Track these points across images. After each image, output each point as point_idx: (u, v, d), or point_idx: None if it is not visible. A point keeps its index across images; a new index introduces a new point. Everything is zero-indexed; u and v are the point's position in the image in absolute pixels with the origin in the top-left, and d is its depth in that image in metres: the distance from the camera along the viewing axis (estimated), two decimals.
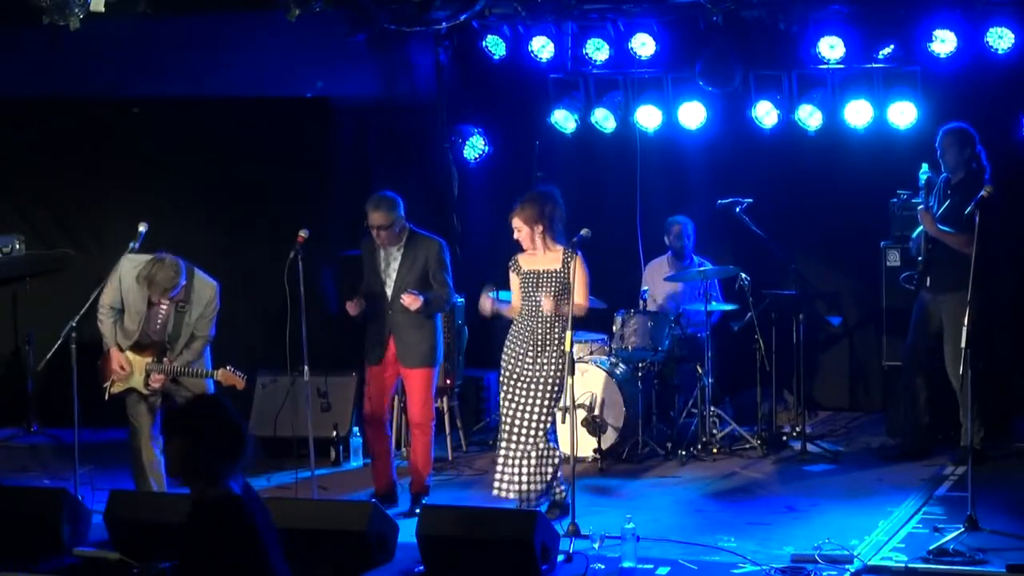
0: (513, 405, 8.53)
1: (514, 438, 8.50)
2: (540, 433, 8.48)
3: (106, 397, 8.76)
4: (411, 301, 8.64)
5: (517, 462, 8.48)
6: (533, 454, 8.47)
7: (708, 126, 10.98)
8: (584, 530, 8.07)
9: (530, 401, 8.49)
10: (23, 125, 11.56)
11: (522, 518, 7.51)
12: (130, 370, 8.69)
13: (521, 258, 8.64)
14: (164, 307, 8.72)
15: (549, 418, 8.52)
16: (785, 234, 11.01)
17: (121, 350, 8.74)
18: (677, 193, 11.39)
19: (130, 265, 8.74)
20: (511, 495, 8.49)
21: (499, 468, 8.55)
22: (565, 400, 8.52)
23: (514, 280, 8.67)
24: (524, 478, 8.46)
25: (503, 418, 8.59)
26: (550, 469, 8.52)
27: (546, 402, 8.48)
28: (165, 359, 8.70)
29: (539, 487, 8.48)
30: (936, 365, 9.67)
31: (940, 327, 9.57)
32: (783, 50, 10.62)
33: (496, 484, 8.55)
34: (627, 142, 11.33)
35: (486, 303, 8.77)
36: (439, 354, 8.96)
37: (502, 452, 8.55)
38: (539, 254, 8.55)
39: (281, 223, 10.07)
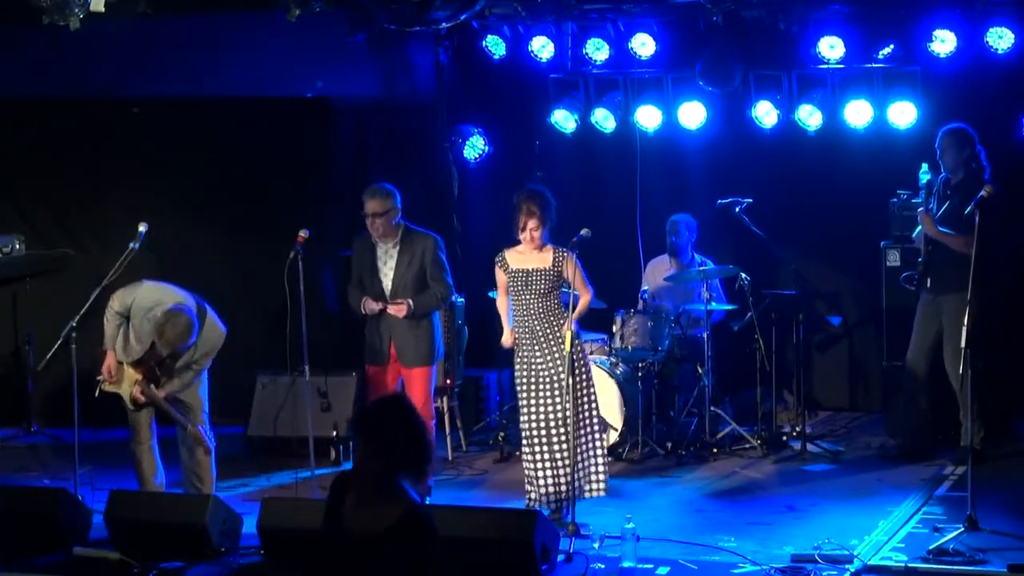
0: (540, 410, 8.45)
1: (545, 444, 8.44)
2: (580, 429, 8.43)
3: (96, 393, 8.70)
4: (397, 310, 8.66)
5: (552, 466, 8.44)
6: (580, 451, 8.43)
7: (708, 126, 10.98)
8: (584, 530, 8.07)
9: (558, 401, 8.44)
10: (23, 125, 11.57)
11: (522, 518, 7.51)
12: (118, 379, 8.62)
13: (509, 255, 8.63)
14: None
15: (585, 411, 8.48)
16: (785, 234, 11.01)
17: (116, 358, 8.65)
18: (677, 193, 11.39)
19: (146, 303, 8.48)
20: (552, 499, 8.43)
21: (542, 473, 8.44)
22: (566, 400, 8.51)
23: (501, 277, 8.65)
24: (575, 477, 8.42)
25: (533, 424, 8.46)
26: (599, 462, 8.50)
27: (579, 397, 8.46)
28: (153, 386, 8.54)
29: (599, 481, 8.49)
30: (936, 365, 9.67)
31: (941, 328, 9.57)
32: (783, 50, 10.62)
33: (542, 489, 8.45)
34: (627, 142, 11.33)
35: (509, 338, 8.73)
36: (438, 352, 8.96)
37: (541, 458, 8.45)
38: (528, 252, 8.56)
39: (281, 223, 10.07)
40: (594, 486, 8.51)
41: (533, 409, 8.47)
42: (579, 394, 8.41)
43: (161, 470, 8.79)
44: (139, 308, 8.52)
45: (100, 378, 8.67)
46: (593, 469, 8.48)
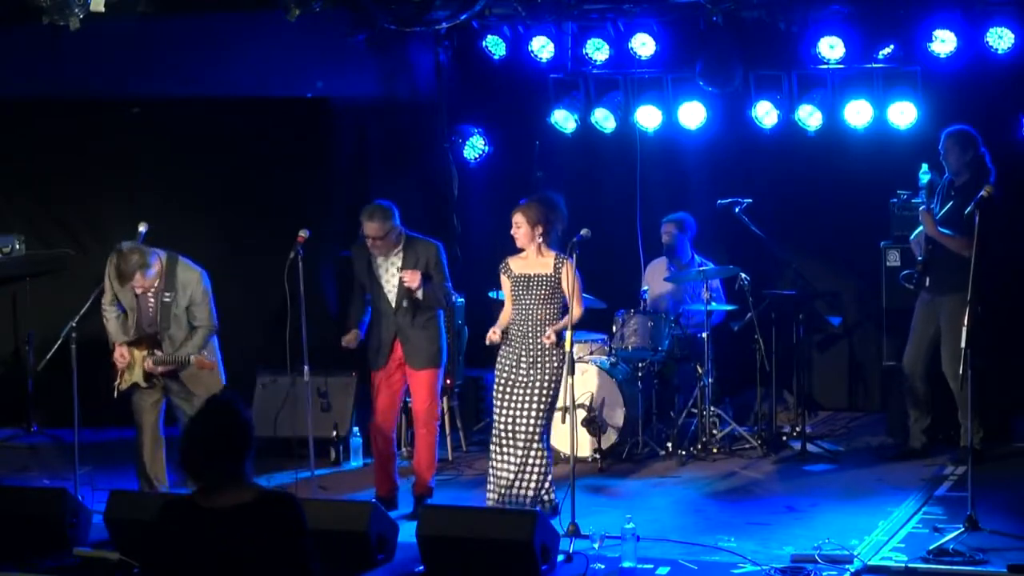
0: (507, 412, 8.55)
1: (507, 445, 8.52)
2: (535, 440, 8.50)
3: (115, 395, 8.73)
4: (411, 276, 8.63)
5: (508, 468, 8.51)
6: (526, 461, 8.51)
7: (708, 126, 10.98)
8: (584, 530, 8.07)
9: (525, 408, 8.51)
10: (23, 125, 11.56)
11: (522, 518, 7.51)
12: (130, 359, 8.66)
13: (512, 261, 8.66)
14: (151, 299, 8.67)
15: (542, 424, 8.53)
16: (785, 234, 11.02)
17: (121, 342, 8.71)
18: (677, 193, 11.39)
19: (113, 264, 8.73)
20: (492, 501, 8.52)
21: (492, 475, 8.58)
22: (565, 400, 8.55)
23: (505, 283, 8.69)
24: (517, 483, 8.50)
25: (497, 425, 8.60)
26: (539, 475, 8.53)
27: (542, 408, 8.50)
28: (158, 351, 8.66)
29: (527, 493, 8.50)
30: (935, 365, 9.67)
31: (939, 328, 9.57)
32: (783, 50, 10.62)
33: (490, 492, 8.59)
34: (627, 142, 11.33)
35: (495, 337, 8.77)
36: (444, 354, 8.96)
37: (495, 459, 8.57)
38: (530, 258, 8.58)
39: (281, 223, 10.06)
40: (549, 490, 8.57)
41: (505, 410, 8.56)
42: (547, 402, 8.49)
43: (165, 472, 8.79)
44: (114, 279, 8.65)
45: (116, 383, 8.68)
46: (541, 479, 8.55)
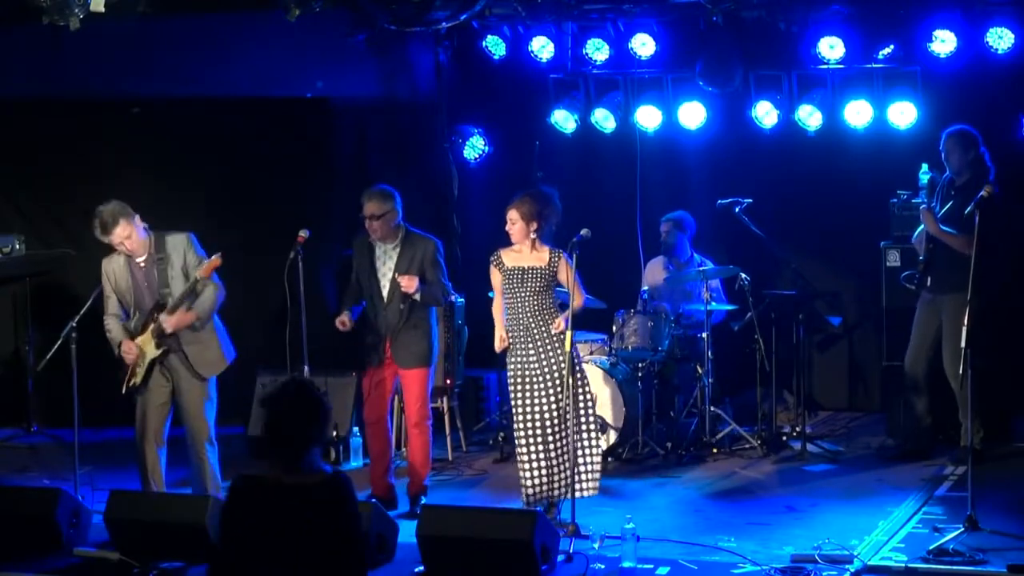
0: (532, 407, 8.45)
1: (539, 440, 8.43)
2: (583, 426, 8.45)
3: (123, 391, 8.64)
4: (408, 282, 8.64)
5: (557, 460, 8.42)
6: (580, 447, 8.43)
7: (708, 126, 10.98)
8: (584, 530, 8.07)
9: (549, 400, 8.43)
10: (23, 125, 11.56)
11: (522, 518, 7.52)
12: (140, 352, 8.56)
13: (504, 254, 8.63)
14: (143, 266, 8.53)
15: (585, 410, 8.47)
16: (785, 234, 11.02)
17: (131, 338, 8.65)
18: (677, 193, 11.39)
19: (105, 258, 8.65)
20: (547, 496, 8.42)
21: (536, 472, 8.41)
22: (567, 400, 8.53)
23: (496, 276, 8.66)
24: (580, 475, 8.42)
25: (528, 423, 8.44)
26: (593, 459, 8.47)
27: (565, 396, 8.44)
28: (166, 314, 8.47)
29: (589, 484, 8.46)
30: (936, 365, 9.67)
31: (940, 327, 9.58)
32: (783, 50, 10.62)
33: (535, 489, 8.41)
34: (627, 142, 11.34)
35: (500, 344, 8.74)
36: (434, 353, 8.96)
37: (537, 457, 8.42)
38: (524, 252, 8.55)
39: (281, 223, 10.07)
40: (587, 485, 8.48)
41: (528, 408, 8.46)
42: (575, 392, 8.42)
43: (163, 472, 8.78)
44: (109, 267, 8.58)
45: (126, 378, 8.60)
46: (586, 468, 8.47)
